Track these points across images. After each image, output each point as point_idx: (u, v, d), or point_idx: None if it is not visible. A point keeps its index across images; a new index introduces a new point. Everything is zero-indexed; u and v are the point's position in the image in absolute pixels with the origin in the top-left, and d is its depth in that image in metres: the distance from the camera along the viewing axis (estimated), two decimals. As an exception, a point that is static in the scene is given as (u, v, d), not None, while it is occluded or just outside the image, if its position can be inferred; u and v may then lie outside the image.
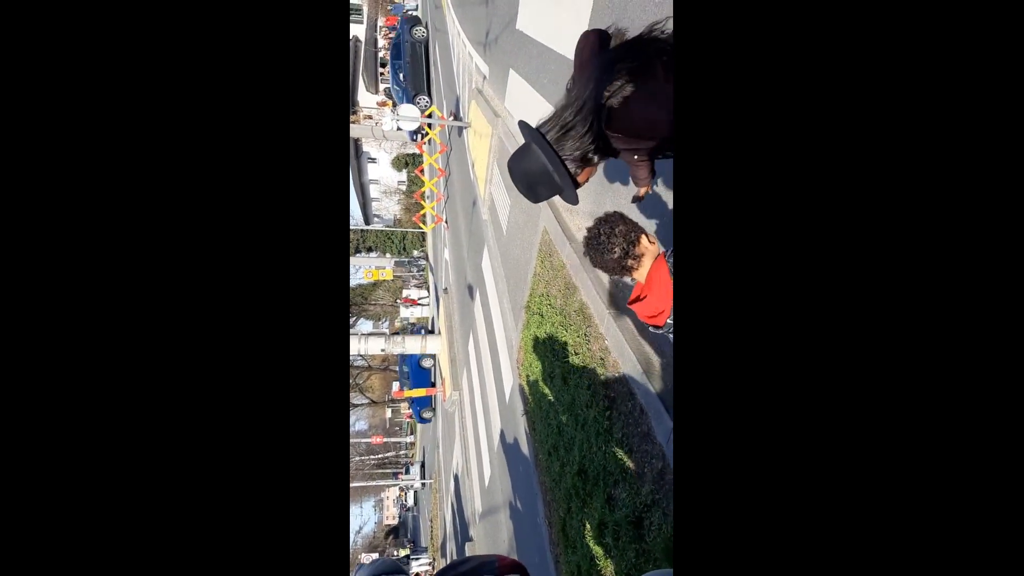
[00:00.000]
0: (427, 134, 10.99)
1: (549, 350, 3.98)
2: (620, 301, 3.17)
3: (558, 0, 4.07)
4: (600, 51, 1.27)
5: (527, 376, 4.56)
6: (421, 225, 15.37)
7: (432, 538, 16.69)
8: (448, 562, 1.32)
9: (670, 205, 2.57)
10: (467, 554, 8.20)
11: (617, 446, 2.79)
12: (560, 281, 3.96)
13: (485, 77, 7.23)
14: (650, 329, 1.50)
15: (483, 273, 7.07)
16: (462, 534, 9.46)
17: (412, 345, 12.56)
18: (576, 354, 3.50)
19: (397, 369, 18.27)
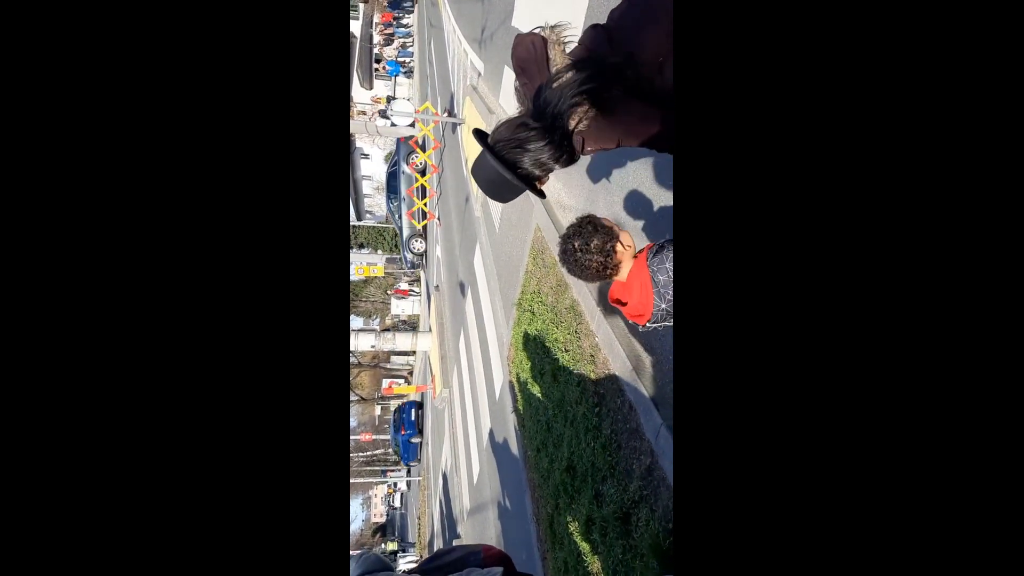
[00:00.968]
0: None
1: (540, 347, 3.98)
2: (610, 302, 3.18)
3: (554, -3, 4.07)
4: (546, 58, 1.27)
5: (517, 373, 4.56)
6: (413, 222, 15.33)
7: (420, 535, 16.66)
8: (437, 549, 1.30)
9: (656, 202, 2.58)
10: (454, 551, 8.19)
11: (606, 442, 2.80)
12: (552, 278, 3.97)
13: (480, 74, 7.22)
14: (639, 329, 1.51)
15: (475, 270, 7.07)
16: (450, 531, 9.45)
17: (403, 342, 12.52)
18: (566, 351, 3.51)
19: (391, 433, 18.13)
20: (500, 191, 1.36)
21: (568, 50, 1.28)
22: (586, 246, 1.37)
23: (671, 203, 2.47)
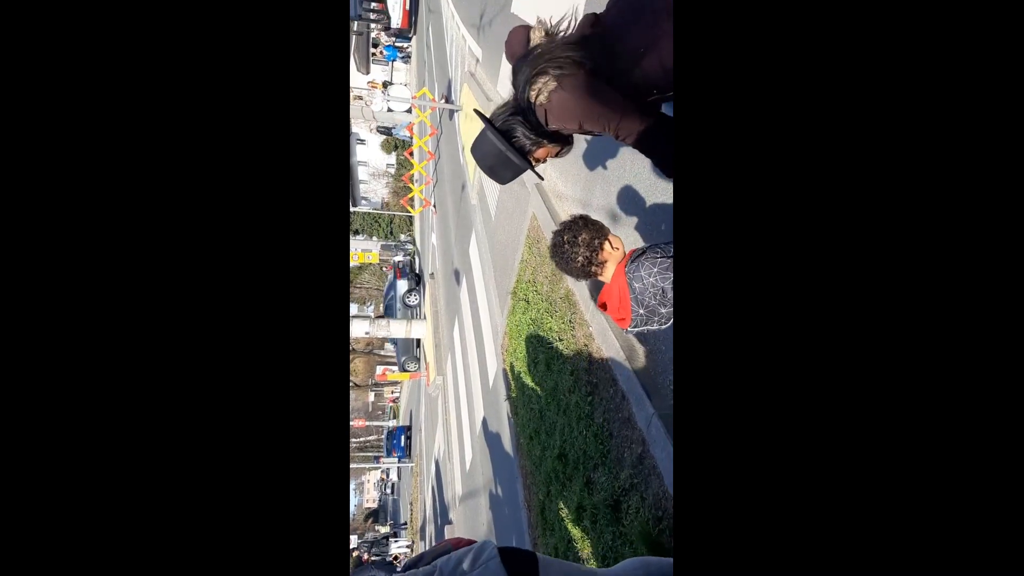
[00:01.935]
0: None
1: (534, 336, 4.00)
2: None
3: (554, -16, 4.03)
4: (526, 46, 1.32)
5: (511, 362, 4.58)
6: (409, 209, 15.25)
7: (412, 521, 16.78)
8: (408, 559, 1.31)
9: (652, 193, 2.58)
10: (446, 536, 8.24)
11: (598, 431, 2.83)
12: (547, 268, 3.97)
13: (478, 60, 7.15)
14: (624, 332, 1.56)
15: (470, 258, 7.06)
16: (442, 517, 9.53)
17: (397, 329, 12.52)
18: (560, 340, 3.52)
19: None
20: (498, 168, 1.42)
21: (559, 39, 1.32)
22: (574, 239, 1.40)
23: (668, 194, 2.48)
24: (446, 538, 1.33)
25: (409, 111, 9.97)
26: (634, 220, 2.75)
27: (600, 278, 1.45)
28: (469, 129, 7.42)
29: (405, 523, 18.83)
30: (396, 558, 15.09)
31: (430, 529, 11.52)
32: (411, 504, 17.18)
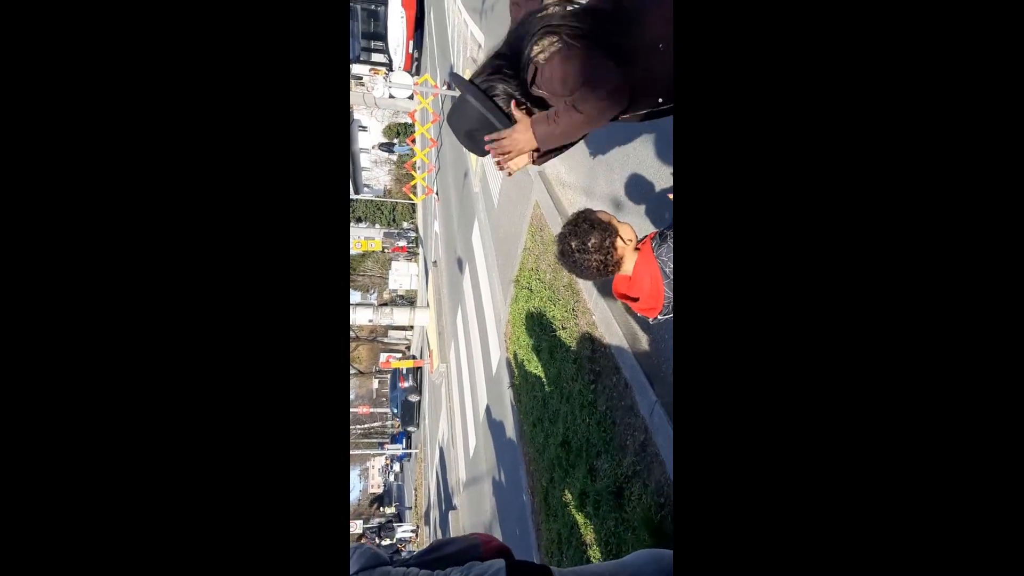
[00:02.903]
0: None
1: (537, 324, 4.00)
2: (608, 280, 3.18)
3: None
4: (539, 2, 1.26)
5: (514, 350, 4.59)
6: (411, 196, 15.21)
7: (416, 507, 16.97)
8: (432, 541, 1.29)
9: (657, 180, 2.57)
10: (450, 522, 8.30)
11: (601, 419, 2.84)
12: (550, 256, 3.96)
13: (480, 46, 7.08)
14: (650, 322, 1.45)
15: (473, 246, 7.05)
16: (446, 503, 9.63)
17: (400, 317, 12.56)
18: (563, 328, 3.53)
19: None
20: (476, 132, 1.32)
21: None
22: (583, 246, 1.30)
23: (671, 180, 2.46)
24: (474, 533, 1.32)
25: (411, 97, 9.89)
26: (640, 207, 2.74)
27: (619, 273, 1.37)
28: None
29: (409, 507, 19.04)
30: (401, 547, 15.24)
31: (434, 514, 11.65)
32: (415, 490, 17.36)
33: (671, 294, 1.28)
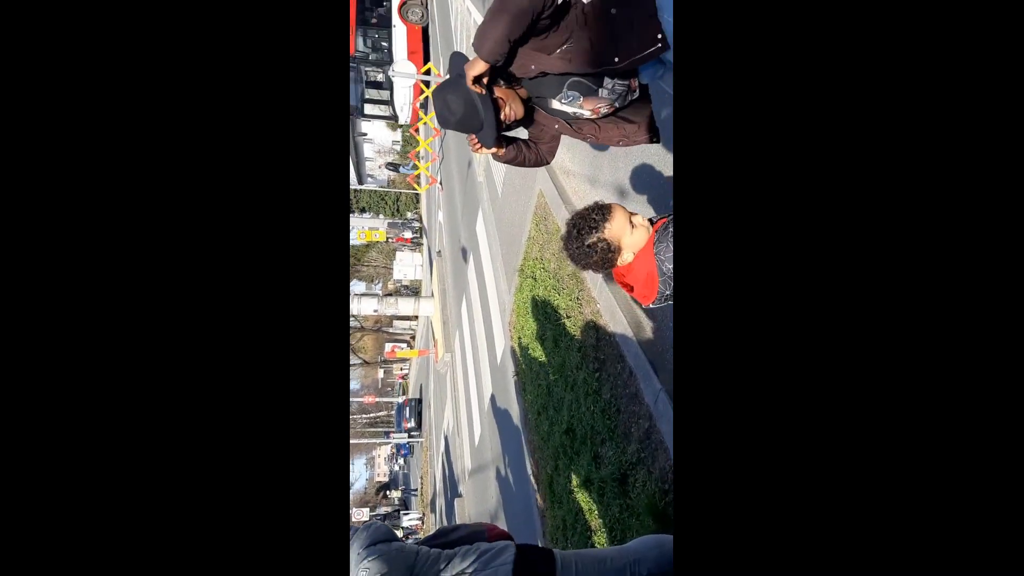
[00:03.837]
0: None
1: (541, 313, 4.01)
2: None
3: (561, -47, 3.92)
4: None
5: (519, 338, 4.60)
6: (415, 186, 15.18)
7: (422, 494, 17.12)
8: (438, 527, 1.34)
9: (661, 167, 2.56)
10: (455, 510, 8.38)
11: (605, 406, 2.86)
12: (554, 245, 3.96)
13: (483, 34, 7.01)
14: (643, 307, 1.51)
15: (477, 236, 7.04)
16: (452, 490, 9.71)
17: (405, 307, 12.60)
18: (568, 317, 3.53)
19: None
20: (467, 120, 1.34)
21: None
22: (586, 238, 1.35)
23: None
24: (483, 522, 1.35)
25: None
26: (644, 196, 2.73)
27: (620, 262, 1.41)
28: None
29: (415, 490, 19.18)
30: (408, 534, 15.38)
31: (440, 502, 11.76)
32: (421, 478, 17.50)
33: (665, 289, 1.36)
